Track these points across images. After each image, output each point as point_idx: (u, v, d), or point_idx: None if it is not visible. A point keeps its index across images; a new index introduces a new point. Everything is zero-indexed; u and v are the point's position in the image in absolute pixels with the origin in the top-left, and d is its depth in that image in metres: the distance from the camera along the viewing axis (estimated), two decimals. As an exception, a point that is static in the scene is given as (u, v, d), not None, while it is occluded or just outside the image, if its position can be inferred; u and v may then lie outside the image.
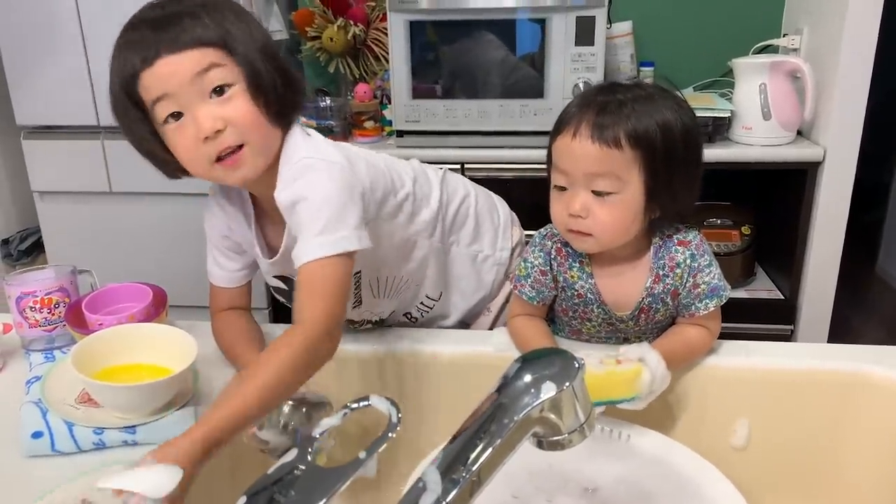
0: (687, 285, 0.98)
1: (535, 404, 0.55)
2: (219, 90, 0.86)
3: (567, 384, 0.56)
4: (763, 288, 2.17)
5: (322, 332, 0.83)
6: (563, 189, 0.95)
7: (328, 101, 2.16)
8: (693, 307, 0.98)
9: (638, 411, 0.90)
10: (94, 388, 0.85)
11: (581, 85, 1.91)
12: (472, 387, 1.03)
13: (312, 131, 0.98)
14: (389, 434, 0.50)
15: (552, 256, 1.03)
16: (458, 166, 1.94)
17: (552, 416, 0.56)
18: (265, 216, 1.02)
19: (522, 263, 1.05)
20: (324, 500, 0.47)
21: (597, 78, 1.92)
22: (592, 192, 0.92)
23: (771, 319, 2.09)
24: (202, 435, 0.71)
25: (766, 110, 1.94)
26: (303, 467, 0.50)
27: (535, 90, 1.95)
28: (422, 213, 1.11)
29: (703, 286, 0.98)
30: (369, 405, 0.53)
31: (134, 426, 0.84)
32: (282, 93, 0.90)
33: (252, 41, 0.88)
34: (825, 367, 0.97)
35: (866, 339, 2.69)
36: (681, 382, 0.99)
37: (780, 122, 1.95)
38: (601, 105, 0.91)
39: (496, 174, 1.97)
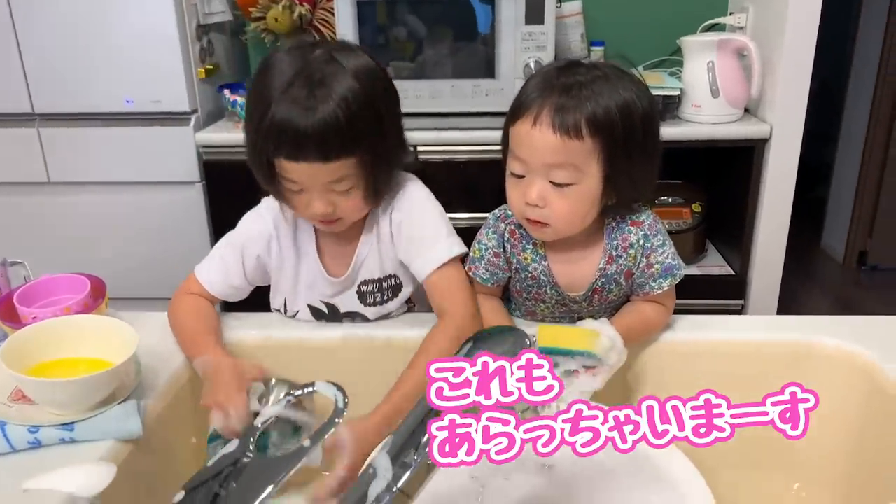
0: (640, 265, 0.98)
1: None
2: (342, 191, 0.94)
3: (519, 362, 0.54)
4: (714, 264, 2.20)
5: (469, 321, 0.97)
6: (520, 176, 0.93)
7: (275, 84, 2.10)
8: (647, 287, 0.98)
9: (596, 390, 0.89)
10: (27, 385, 0.81)
11: (532, 64, 1.90)
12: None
13: None
14: (336, 420, 0.48)
15: (505, 238, 1.02)
16: (412, 149, 1.91)
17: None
18: (326, 240, 1.07)
19: (476, 245, 1.04)
20: (267, 492, 0.44)
21: (548, 57, 1.90)
22: (550, 181, 0.90)
23: (722, 295, 2.12)
24: (387, 411, 0.84)
25: (715, 88, 1.95)
26: (245, 459, 0.47)
27: (487, 70, 1.93)
28: None
29: (656, 266, 0.97)
30: (315, 391, 0.50)
31: (72, 423, 0.79)
32: (390, 178, 1.01)
33: (385, 147, 0.95)
34: (778, 339, 0.98)
35: (813, 311, 2.74)
36: (637, 359, 0.99)
37: (728, 100, 1.97)
38: (562, 88, 0.89)
39: (450, 157, 1.95)
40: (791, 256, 2.13)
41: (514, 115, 0.92)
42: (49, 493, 0.57)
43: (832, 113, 3.19)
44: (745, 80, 1.99)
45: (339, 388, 0.50)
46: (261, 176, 0.96)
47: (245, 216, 1.09)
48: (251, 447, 0.47)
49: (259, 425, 0.49)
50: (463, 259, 1.04)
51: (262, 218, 1.07)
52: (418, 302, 1.12)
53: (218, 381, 0.84)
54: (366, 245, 1.05)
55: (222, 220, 2.09)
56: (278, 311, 1.11)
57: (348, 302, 1.08)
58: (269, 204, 1.07)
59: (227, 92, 2.06)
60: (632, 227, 0.98)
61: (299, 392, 0.50)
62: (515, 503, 0.80)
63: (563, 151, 0.88)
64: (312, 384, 0.51)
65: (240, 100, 2.02)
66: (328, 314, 1.09)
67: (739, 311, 2.16)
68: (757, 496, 0.95)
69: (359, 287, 1.07)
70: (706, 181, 2.21)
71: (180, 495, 0.45)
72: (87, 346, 0.87)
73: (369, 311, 1.08)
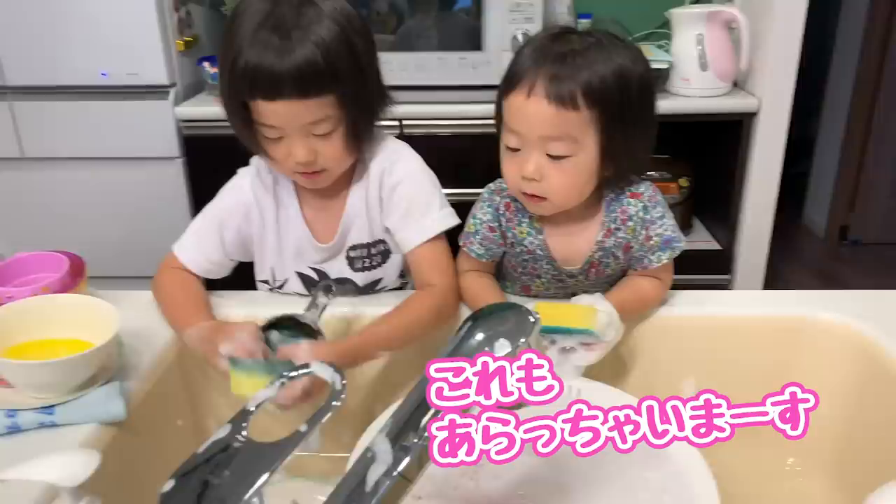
0: (640, 238, 0.96)
1: (489, 363, 0.51)
2: (322, 135, 0.92)
3: (522, 340, 0.52)
4: (701, 239, 2.20)
5: (450, 298, 0.98)
6: (515, 150, 0.90)
7: (256, 57, 2.05)
8: (646, 260, 0.97)
9: (590, 365, 0.88)
10: (4, 367, 0.78)
11: (519, 36, 1.86)
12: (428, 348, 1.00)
13: None
14: (334, 403, 0.46)
15: (501, 212, 0.99)
16: (397, 123, 1.88)
17: (508, 375, 0.53)
18: (310, 206, 1.04)
19: (471, 220, 1.01)
20: (262, 480, 0.42)
21: (535, 29, 1.87)
22: (547, 154, 0.88)
23: (709, 270, 2.12)
24: (356, 342, 0.87)
25: (704, 61, 1.93)
26: (237, 444, 0.45)
27: (473, 42, 1.89)
28: None
29: (655, 238, 0.96)
30: (310, 373, 0.48)
31: (52, 406, 0.77)
32: (370, 124, 0.99)
33: (364, 88, 0.93)
34: (774, 314, 0.97)
35: (796, 286, 2.77)
36: (632, 335, 0.98)
37: (717, 73, 1.95)
38: (556, 56, 0.86)
39: (436, 131, 1.91)
40: (773, 231, 2.12)
41: (507, 86, 0.89)
42: (28, 483, 0.55)
43: (814, 87, 3.19)
44: (734, 53, 1.97)
45: (337, 370, 0.48)
46: (237, 123, 0.93)
47: (221, 189, 1.06)
48: (243, 432, 0.45)
49: (252, 409, 0.46)
50: (457, 230, 1.02)
51: (239, 188, 1.04)
52: (409, 274, 1.10)
53: (217, 330, 0.85)
54: (353, 208, 1.03)
55: (203, 196, 2.00)
56: (265, 282, 1.08)
57: (337, 267, 1.06)
58: (245, 172, 1.05)
59: (206, 65, 2.01)
60: (631, 199, 0.96)
61: (293, 374, 0.48)
62: (511, 480, 0.78)
63: (559, 123, 0.85)
64: (307, 365, 0.49)
65: (220, 73, 1.97)
66: (318, 281, 1.06)
67: (726, 286, 2.16)
68: (751, 471, 0.94)
69: (347, 252, 1.05)
70: (693, 155, 2.20)
71: (169, 484, 0.42)
72: (66, 327, 0.84)
73: (359, 277, 1.06)
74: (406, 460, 0.48)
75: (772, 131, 1.97)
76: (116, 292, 1.01)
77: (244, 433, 0.45)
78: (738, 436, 0.98)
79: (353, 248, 1.05)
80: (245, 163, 1.06)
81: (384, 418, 0.79)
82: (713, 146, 2.18)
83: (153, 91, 1.97)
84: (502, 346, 0.52)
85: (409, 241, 1.00)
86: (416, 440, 0.50)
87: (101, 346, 0.78)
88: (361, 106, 0.94)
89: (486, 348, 0.52)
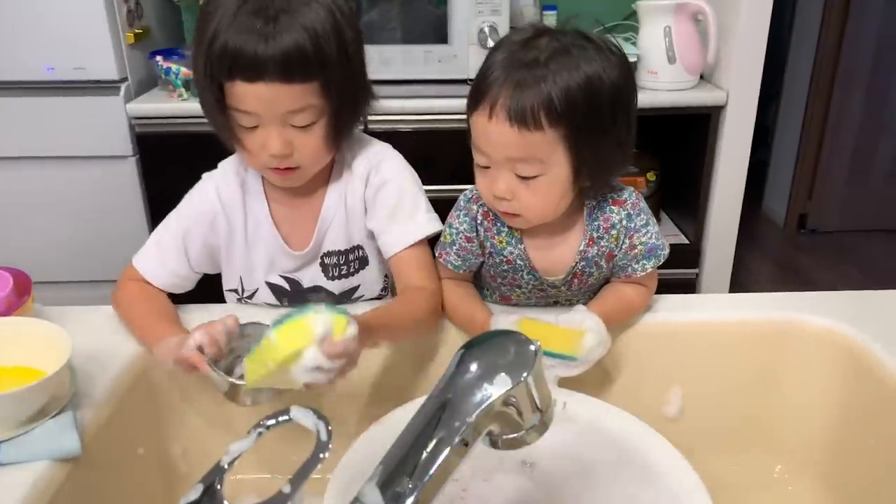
0: (623, 247, 0.92)
1: (487, 402, 0.47)
2: (302, 126, 0.87)
3: (525, 374, 0.48)
4: (669, 234, 2.19)
5: (438, 302, 0.94)
6: (485, 167, 0.86)
7: (211, 50, 1.96)
8: (630, 269, 0.93)
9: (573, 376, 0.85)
10: (-58, 402, 0.70)
11: (486, 29, 1.82)
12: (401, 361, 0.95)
13: None
14: (320, 455, 0.41)
15: (478, 221, 0.95)
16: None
17: (509, 412, 0.49)
18: (283, 211, 0.99)
19: (447, 230, 0.97)
20: (243, 552, 0.37)
21: (503, 22, 1.82)
22: (516, 175, 0.84)
23: (676, 264, 2.11)
24: (367, 319, 0.76)
25: (671, 54, 1.91)
26: (212, 506, 0.40)
27: (439, 35, 1.84)
28: None
29: (640, 247, 0.92)
30: (290, 420, 0.43)
31: (-2, 443, 0.70)
32: (352, 120, 0.94)
33: (350, 79, 0.89)
34: (760, 318, 0.95)
35: (759, 276, 2.80)
36: (616, 341, 0.95)
37: (685, 66, 1.93)
38: (520, 69, 0.80)
39: (400, 127, 1.85)
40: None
41: (472, 101, 0.85)
42: None
43: (771, 76, 3.22)
44: (702, 45, 1.95)
45: (320, 416, 0.43)
46: (211, 107, 0.87)
47: (185, 197, 0.99)
48: (219, 494, 0.40)
49: (226, 465, 0.41)
50: (434, 237, 0.98)
51: (204, 194, 0.98)
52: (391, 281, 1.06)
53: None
54: (329, 210, 0.97)
55: (159, 196, 1.95)
56: (234, 291, 1.02)
57: (310, 276, 1.00)
58: (209, 177, 0.99)
59: (159, 58, 1.91)
60: (614, 207, 0.92)
61: (272, 422, 0.43)
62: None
63: (522, 145, 0.81)
64: (287, 411, 0.43)
65: (174, 67, 1.88)
66: (290, 291, 1.01)
67: (694, 280, 2.16)
68: (739, 480, 0.93)
69: (322, 259, 1.00)
70: (660, 149, 2.19)
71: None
72: (11, 353, 0.77)
73: (334, 286, 1.01)
74: (401, 511, 0.44)
75: (739, 124, 1.97)
76: (65, 309, 0.94)
77: (218, 495, 0.40)
78: (726, 444, 0.97)
79: (328, 254, 1.00)
80: (202, 160, 1.00)
81: (359, 456, 0.73)
82: (680, 140, 2.18)
83: (102, 86, 1.87)
84: (502, 382, 0.48)
85: (394, 243, 0.95)
86: (409, 486, 0.46)
87: (52, 375, 0.71)
88: (345, 98, 0.88)
89: (484, 383, 0.48)
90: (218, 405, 0.89)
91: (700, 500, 0.70)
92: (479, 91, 0.83)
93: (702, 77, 2.05)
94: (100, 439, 0.77)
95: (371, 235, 0.99)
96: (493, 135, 0.82)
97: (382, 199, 0.96)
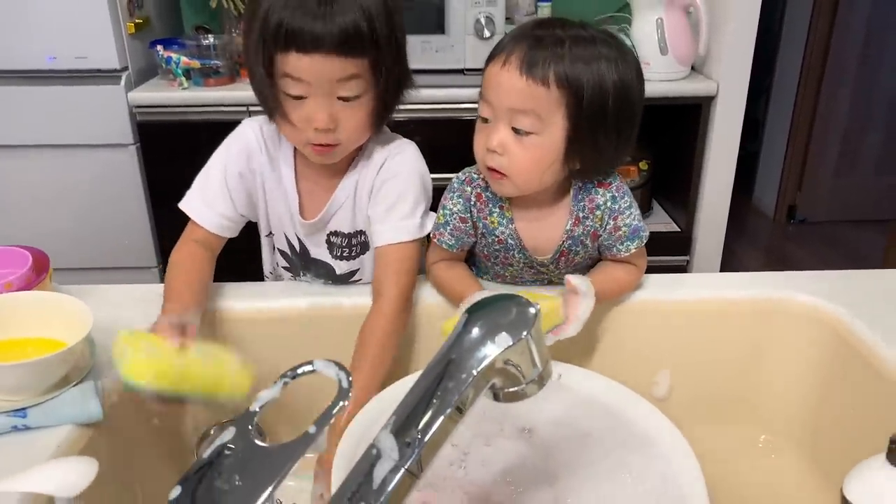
0: (608, 227, 0.97)
1: (489, 358, 0.51)
2: (348, 98, 0.89)
3: (524, 333, 0.52)
4: (660, 221, 2.24)
5: (402, 305, 0.95)
6: (486, 121, 0.91)
7: (211, 39, 1.99)
8: (615, 249, 0.98)
9: (569, 351, 0.89)
10: (-29, 370, 0.74)
11: (482, 20, 1.85)
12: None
13: None
14: (341, 403, 0.45)
15: (472, 202, 0.99)
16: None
17: (510, 367, 0.53)
18: (306, 178, 1.02)
19: (441, 211, 1.01)
20: (274, 483, 0.41)
21: (499, 13, 1.86)
22: (513, 129, 0.88)
23: (668, 251, 2.17)
24: (359, 395, 0.82)
25: (663, 45, 1.96)
26: (243, 448, 0.44)
27: (437, 25, 1.87)
28: None
29: (624, 228, 0.97)
30: (314, 371, 0.47)
31: (24, 409, 0.74)
32: (396, 103, 0.97)
33: (397, 62, 0.92)
34: (747, 296, 0.99)
35: (748, 265, 2.85)
36: (607, 319, 0.99)
37: (677, 57, 1.98)
38: (537, 38, 0.86)
39: (396, 115, 1.88)
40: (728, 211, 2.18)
41: (488, 59, 0.91)
42: (23, 495, 0.52)
43: (761, 70, 3.27)
44: (693, 37, 2.00)
45: (342, 367, 0.47)
46: (259, 78, 0.90)
47: (224, 140, 1.02)
48: (249, 436, 0.44)
49: (256, 409, 0.45)
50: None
51: (243, 134, 1.01)
52: None
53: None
54: (343, 192, 1.01)
55: (159, 184, 1.99)
56: (269, 235, 1.07)
57: (318, 249, 1.05)
58: (248, 121, 1.02)
59: (160, 48, 1.94)
60: (599, 189, 0.97)
61: (299, 372, 0.47)
62: (497, 468, 0.79)
63: (527, 96, 0.86)
64: (311, 363, 0.47)
65: (174, 56, 1.91)
66: (299, 254, 1.06)
67: (685, 267, 2.21)
68: (725, 449, 0.96)
69: (328, 237, 1.04)
70: (652, 139, 2.23)
71: (177, 490, 0.41)
72: (34, 326, 0.81)
73: (337, 265, 1.05)
74: (413, 456, 0.48)
75: (729, 114, 2.01)
76: (82, 287, 0.98)
77: (250, 436, 0.44)
78: (713, 416, 1.01)
79: (335, 234, 1.04)
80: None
81: (374, 412, 0.78)
82: (671, 130, 2.22)
83: (104, 75, 1.90)
84: (503, 340, 0.52)
85: (381, 236, 0.98)
86: (418, 436, 0.50)
87: (75, 345, 0.75)
88: (391, 79, 0.92)
89: (487, 341, 0.52)
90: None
91: (689, 465, 0.74)
92: (498, 47, 0.90)
93: (693, 68, 2.09)
94: (118, 408, 0.81)
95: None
96: (503, 82, 0.87)
97: (387, 190, 0.99)
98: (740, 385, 1.01)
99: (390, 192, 0.99)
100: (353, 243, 1.04)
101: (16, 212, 2.01)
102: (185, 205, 1.00)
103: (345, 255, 1.05)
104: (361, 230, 1.04)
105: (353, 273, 1.07)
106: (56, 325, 0.80)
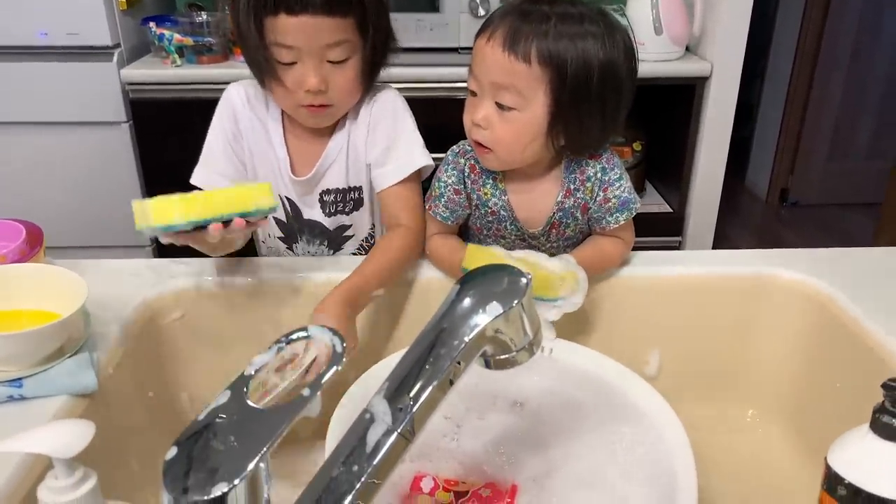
0: (597, 199, 0.98)
1: (480, 326, 0.52)
2: (337, 61, 0.93)
3: (515, 302, 0.53)
4: (653, 202, 2.25)
5: (421, 237, 0.99)
6: (474, 94, 0.93)
7: (204, 17, 1.98)
8: (604, 221, 0.98)
9: (559, 325, 0.90)
10: (-34, 340, 0.75)
11: (477, -2, 1.85)
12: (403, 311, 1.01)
13: None
14: (334, 366, 0.46)
15: (466, 174, 1.00)
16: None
17: (501, 335, 0.54)
18: (295, 135, 1.04)
19: (436, 183, 1.01)
20: (268, 445, 0.42)
21: (493, -10, 1.85)
22: (497, 104, 0.90)
23: (660, 232, 2.18)
24: (342, 294, 0.85)
25: (658, 25, 1.95)
26: (237, 410, 0.44)
27: (430, 2, 1.87)
28: None
29: (613, 200, 0.97)
30: (308, 337, 0.48)
31: (20, 379, 0.74)
32: (383, 62, 1.00)
33: (383, 15, 0.96)
34: (735, 272, 1.00)
35: (742, 247, 2.87)
36: (594, 294, 1.00)
37: (671, 37, 1.98)
38: (523, 13, 0.87)
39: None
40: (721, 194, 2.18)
41: (478, 32, 0.92)
42: (20, 455, 0.53)
43: (755, 54, 3.27)
44: (688, 17, 1.99)
45: (335, 333, 0.48)
46: (250, 45, 0.93)
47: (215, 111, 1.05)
48: (244, 398, 0.44)
49: (251, 373, 0.46)
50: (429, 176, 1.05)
51: (228, 96, 1.04)
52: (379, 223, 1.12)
53: None
54: (335, 146, 1.03)
55: (152, 161, 1.98)
56: None
57: (310, 207, 1.07)
58: (238, 82, 1.05)
59: (152, 25, 1.93)
60: (589, 161, 0.97)
61: (292, 337, 0.48)
62: (490, 440, 0.80)
63: (509, 72, 0.87)
64: (304, 328, 0.48)
65: (167, 33, 1.90)
66: (292, 216, 1.07)
67: (677, 248, 2.22)
68: (713, 423, 0.98)
69: (321, 196, 1.05)
70: (645, 119, 2.23)
71: (172, 451, 0.42)
72: (28, 297, 0.81)
73: (329, 221, 1.08)
74: (406, 420, 0.49)
75: (722, 96, 2.01)
76: (76, 261, 0.98)
77: (244, 399, 0.45)
78: (702, 390, 1.02)
79: (327, 192, 1.05)
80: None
81: (370, 379, 0.79)
82: (666, 109, 2.22)
83: (96, 52, 1.89)
84: (494, 309, 0.53)
85: (385, 177, 1.01)
86: (410, 402, 0.51)
87: (69, 316, 0.76)
88: (377, 38, 0.95)
89: (479, 309, 0.53)
90: (223, 356, 0.94)
91: (678, 436, 0.76)
92: (487, 21, 0.91)
93: (687, 49, 2.09)
94: (113, 379, 0.82)
95: (368, 173, 1.05)
96: (487, 56, 0.88)
97: (384, 130, 1.02)
98: (728, 361, 1.03)
99: (389, 130, 1.02)
100: (348, 199, 1.06)
101: (8, 189, 2.00)
102: (194, 179, 1.02)
103: (338, 210, 1.07)
104: (357, 186, 1.05)
105: (346, 228, 1.09)
106: (51, 296, 0.80)
